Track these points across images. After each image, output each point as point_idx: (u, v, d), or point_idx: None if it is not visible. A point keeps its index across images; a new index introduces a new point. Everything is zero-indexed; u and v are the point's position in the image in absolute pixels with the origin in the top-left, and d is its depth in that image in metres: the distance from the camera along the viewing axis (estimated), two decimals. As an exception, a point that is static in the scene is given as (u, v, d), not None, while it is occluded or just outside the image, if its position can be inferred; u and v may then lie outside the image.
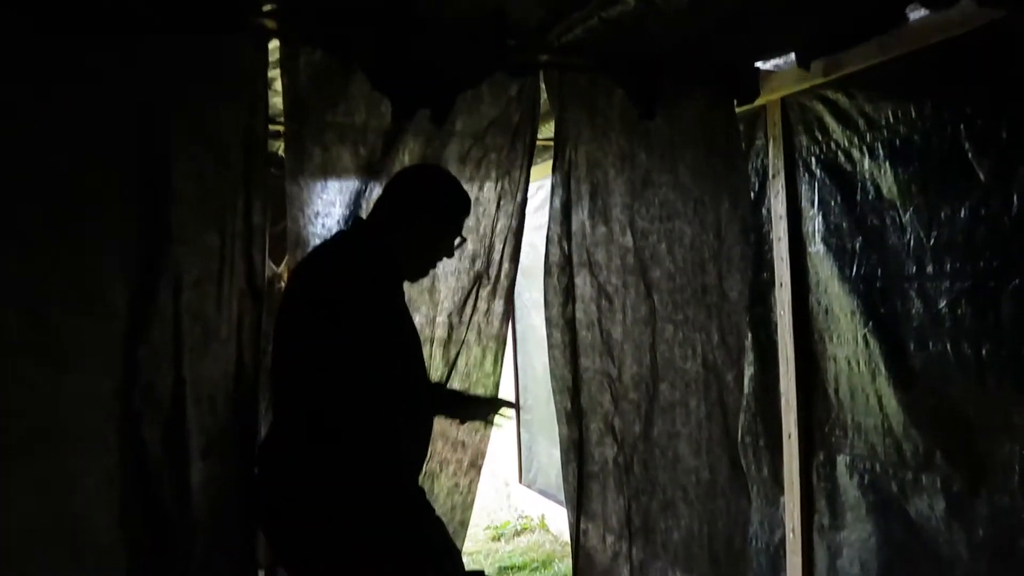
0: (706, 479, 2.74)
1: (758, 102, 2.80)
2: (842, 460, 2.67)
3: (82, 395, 1.76)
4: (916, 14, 2.16)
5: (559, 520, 4.56)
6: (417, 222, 1.96)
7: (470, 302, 2.57)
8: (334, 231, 2.21)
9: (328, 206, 2.26)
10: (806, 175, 2.74)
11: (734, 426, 2.81)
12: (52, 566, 1.73)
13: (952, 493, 2.31)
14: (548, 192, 2.57)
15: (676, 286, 2.71)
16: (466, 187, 2.12)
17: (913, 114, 2.36)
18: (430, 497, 2.55)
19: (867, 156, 2.51)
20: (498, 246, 2.56)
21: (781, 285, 2.82)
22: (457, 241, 2.06)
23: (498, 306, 2.59)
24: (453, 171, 2.22)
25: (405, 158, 2.35)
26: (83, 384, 1.76)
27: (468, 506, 2.75)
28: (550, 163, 2.56)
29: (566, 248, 2.56)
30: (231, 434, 2.00)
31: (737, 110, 2.81)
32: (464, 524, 2.76)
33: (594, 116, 2.58)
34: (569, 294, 2.57)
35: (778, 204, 2.81)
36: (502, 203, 2.54)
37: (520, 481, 5.29)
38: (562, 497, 2.80)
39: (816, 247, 2.71)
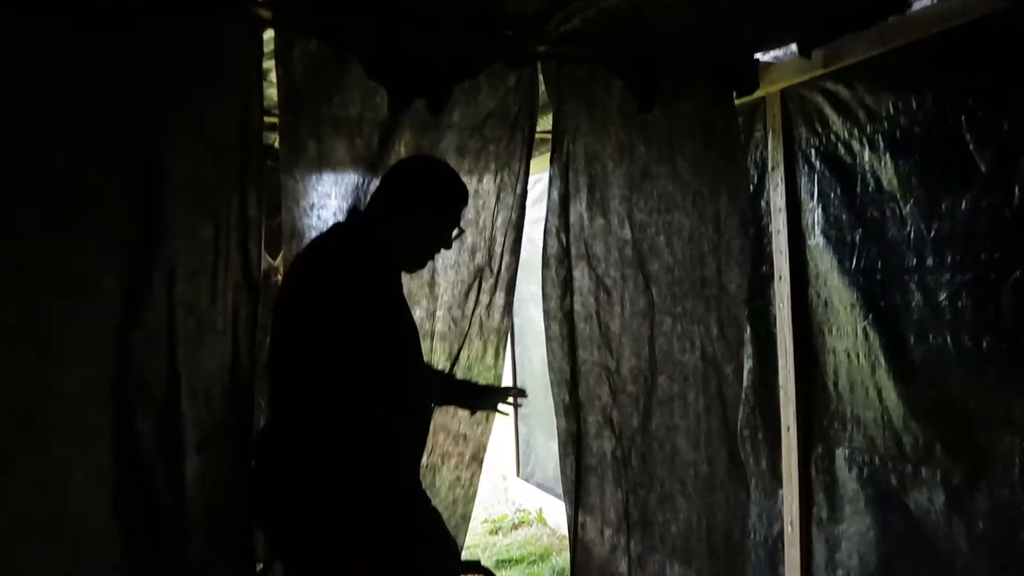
0: (705, 472, 2.74)
1: (757, 94, 2.78)
2: (841, 453, 2.66)
3: (75, 388, 1.75)
4: (918, 3, 2.15)
5: (557, 513, 4.56)
6: (414, 213, 1.95)
7: (472, 295, 2.56)
8: (330, 223, 2.19)
9: (324, 198, 2.24)
10: (806, 167, 2.72)
11: (733, 419, 2.80)
12: (44, 559, 1.72)
13: (952, 486, 2.30)
14: (546, 185, 2.56)
15: (675, 279, 2.70)
16: (465, 179, 2.10)
17: (914, 105, 2.34)
18: (432, 491, 2.55)
19: (867, 148, 2.50)
20: (499, 239, 2.54)
21: (780, 278, 2.81)
22: (455, 232, 2.04)
23: (499, 299, 2.58)
24: (451, 163, 2.20)
25: (401, 150, 2.33)
26: (76, 376, 1.75)
27: (470, 499, 2.75)
28: (548, 156, 2.55)
29: (564, 240, 2.55)
30: (227, 427, 1.99)
31: (736, 102, 2.79)
32: (466, 517, 2.76)
33: (592, 108, 2.56)
34: (567, 286, 2.55)
35: (777, 196, 2.80)
36: (502, 195, 2.52)
37: (518, 474, 5.29)
38: (560, 490, 2.80)
39: (815, 240, 2.70)
